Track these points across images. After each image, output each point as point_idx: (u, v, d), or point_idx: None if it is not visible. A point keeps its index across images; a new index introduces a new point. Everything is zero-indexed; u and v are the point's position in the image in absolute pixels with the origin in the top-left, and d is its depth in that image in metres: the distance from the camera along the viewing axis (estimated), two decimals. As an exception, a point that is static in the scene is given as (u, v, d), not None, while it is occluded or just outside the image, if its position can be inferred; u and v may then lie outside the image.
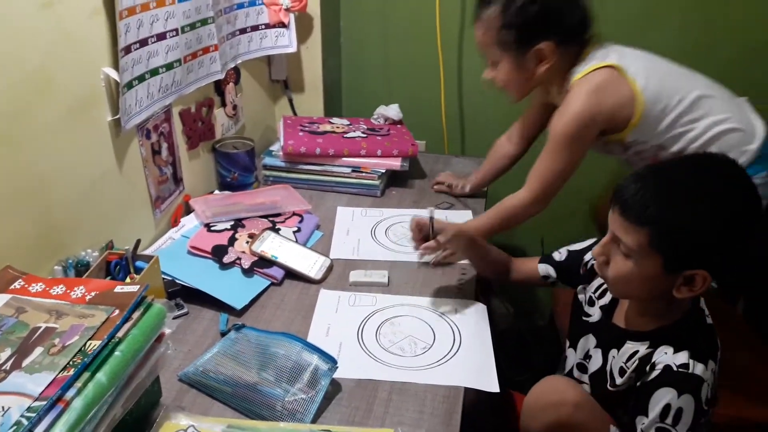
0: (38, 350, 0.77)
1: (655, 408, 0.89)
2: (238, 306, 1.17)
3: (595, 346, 1.05)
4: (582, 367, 1.08)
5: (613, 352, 1.01)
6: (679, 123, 1.25)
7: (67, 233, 1.12)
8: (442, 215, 1.55)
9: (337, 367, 0.99)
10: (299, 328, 1.15)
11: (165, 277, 1.17)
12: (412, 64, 2.05)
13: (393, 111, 1.83)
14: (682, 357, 0.90)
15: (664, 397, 0.88)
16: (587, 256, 1.16)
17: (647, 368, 0.93)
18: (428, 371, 1.06)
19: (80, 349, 0.77)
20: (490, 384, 1.04)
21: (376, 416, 0.96)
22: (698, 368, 0.90)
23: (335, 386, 1.01)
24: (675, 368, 0.90)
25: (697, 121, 1.24)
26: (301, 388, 0.96)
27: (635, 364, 0.95)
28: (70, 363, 0.75)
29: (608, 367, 1.01)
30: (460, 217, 1.55)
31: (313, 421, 0.94)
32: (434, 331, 1.16)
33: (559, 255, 1.21)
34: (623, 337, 1.00)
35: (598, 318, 1.08)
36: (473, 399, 1.03)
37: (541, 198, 1.28)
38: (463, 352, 1.11)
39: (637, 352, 0.96)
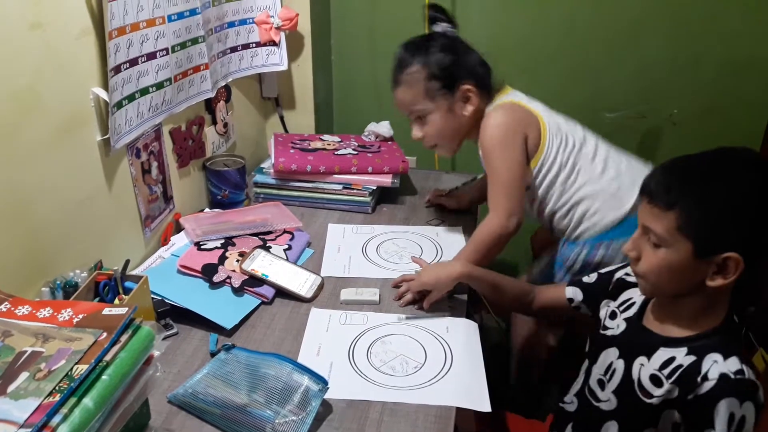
0: (24, 375, 0.76)
1: (719, 419, 0.87)
2: (228, 326, 1.17)
3: (618, 357, 1.03)
4: (602, 384, 1.05)
5: (641, 359, 0.98)
6: (559, 182, 1.35)
7: (55, 254, 1.11)
8: (432, 232, 1.56)
9: (328, 388, 0.98)
10: (290, 348, 1.14)
11: (154, 297, 1.17)
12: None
13: (384, 128, 1.84)
14: (734, 363, 0.88)
15: (727, 407, 0.86)
16: (618, 273, 1.14)
17: (698, 379, 0.89)
18: (420, 391, 1.05)
19: (67, 374, 0.76)
20: (482, 403, 1.03)
21: (368, 438, 0.95)
22: (752, 374, 0.88)
23: (326, 407, 1.00)
24: (732, 376, 0.88)
25: (573, 185, 1.35)
26: (292, 409, 0.95)
27: (677, 375, 0.92)
28: (57, 388, 0.74)
29: (636, 376, 0.97)
30: (451, 234, 1.55)
31: (304, 443, 0.93)
32: (425, 349, 1.16)
33: (589, 278, 1.19)
34: (656, 343, 0.97)
35: (623, 329, 1.05)
36: (463, 418, 1.02)
37: (509, 212, 1.29)
38: (454, 371, 1.10)
39: (673, 359, 0.93)
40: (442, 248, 1.49)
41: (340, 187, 1.64)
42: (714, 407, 0.87)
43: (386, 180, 1.65)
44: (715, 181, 0.88)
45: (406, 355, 1.14)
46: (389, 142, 1.82)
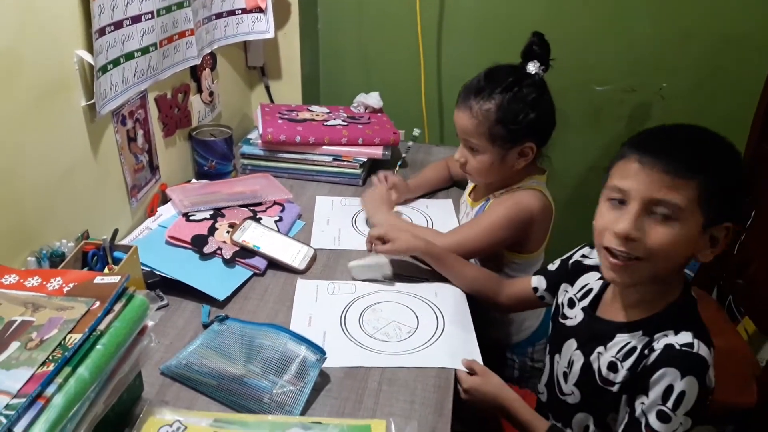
0: (15, 345, 0.73)
1: (656, 388, 0.84)
2: (221, 297, 1.14)
3: (576, 349, 1.01)
4: (566, 376, 1.03)
5: (599, 349, 0.96)
6: None
7: (40, 223, 1.07)
8: (422, 204, 1.54)
9: (325, 358, 0.97)
10: (284, 319, 1.12)
11: (144, 268, 1.13)
12: (392, 51, 2.03)
13: (373, 99, 1.80)
14: (685, 337, 0.86)
15: (665, 377, 0.84)
16: (575, 257, 1.12)
17: (646, 352, 0.88)
18: (416, 355, 1.05)
19: (60, 343, 0.73)
20: None
21: (367, 407, 0.94)
22: (703, 349, 0.85)
23: (323, 377, 0.99)
24: (678, 347, 0.85)
25: None
26: (289, 379, 0.93)
27: (632, 358, 0.90)
28: (50, 357, 0.71)
29: (595, 366, 0.95)
30: (441, 205, 1.54)
31: (303, 413, 0.92)
32: (417, 315, 1.15)
33: (553, 265, 1.17)
34: (612, 331, 0.95)
35: (580, 319, 1.03)
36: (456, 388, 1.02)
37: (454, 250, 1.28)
38: (447, 333, 1.11)
39: (628, 343, 0.92)
40: (432, 220, 1.48)
41: (330, 158, 1.61)
42: (652, 375, 0.85)
43: (377, 152, 1.62)
44: (723, 151, 0.86)
45: (399, 321, 1.13)
46: (379, 114, 1.79)
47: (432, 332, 1.11)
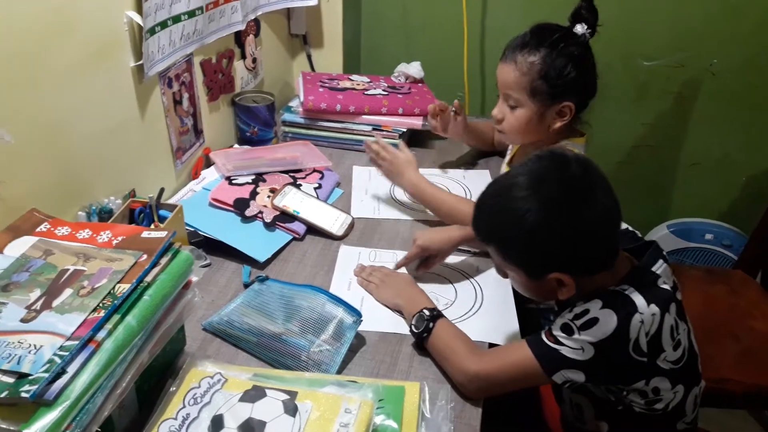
0: (68, 291, 0.77)
1: (574, 309, 0.87)
2: (261, 259, 1.17)
3: None
4: None
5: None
6: None
7: (89, 180, 1.11)
8: (459, 175, 1.53)
9: (361, 320, 0.98)
10: (321, 282, 1.14)
11: (188, 228, 1.16)
12: (435, 21, 2.01)
13: (414, 69, 1.79)
14: (624, 287, 0.87)
15: (585, 304, 0.87)
16: None
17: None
18: (451, 328, 1.06)
19: (109, 292, 0.76)
20: (511, 340, 1.03)
21: (401, 370, 0.96)
22: (638, 298, 0.85)
23: (359, 339, 1.00)
24: (611, 288, 0.88)
25: None
26: (326, 339, 0.95)
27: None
28: (101, 305, 0.74)
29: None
30: (478, 176, 1.53)
31: (339, 372, 0.94)
32: (456, 288, 1.15)
33: None
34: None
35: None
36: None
37: None
38: (484, 309, 1.11)
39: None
40: (470, 190, 1.47)
41: (369, 128, 1.61)
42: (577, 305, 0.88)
43: (417, 122, 1.62)
44: (496, 215, 0.91)
45: (437, 293, 1.13)
46: (419, 84, 1.78)
47: (469, 307, 1.11)
